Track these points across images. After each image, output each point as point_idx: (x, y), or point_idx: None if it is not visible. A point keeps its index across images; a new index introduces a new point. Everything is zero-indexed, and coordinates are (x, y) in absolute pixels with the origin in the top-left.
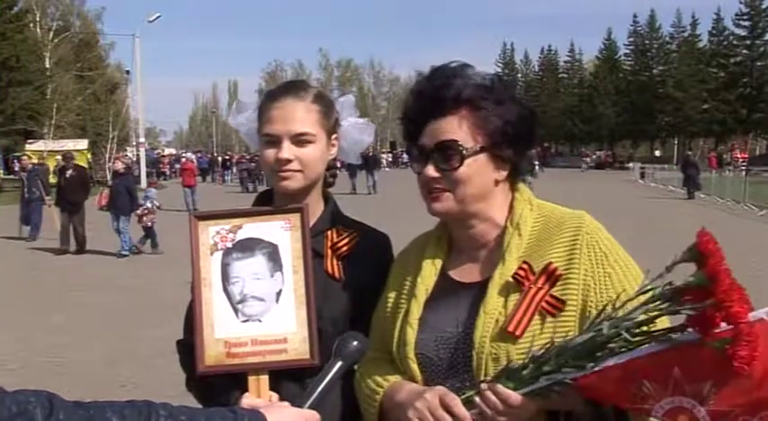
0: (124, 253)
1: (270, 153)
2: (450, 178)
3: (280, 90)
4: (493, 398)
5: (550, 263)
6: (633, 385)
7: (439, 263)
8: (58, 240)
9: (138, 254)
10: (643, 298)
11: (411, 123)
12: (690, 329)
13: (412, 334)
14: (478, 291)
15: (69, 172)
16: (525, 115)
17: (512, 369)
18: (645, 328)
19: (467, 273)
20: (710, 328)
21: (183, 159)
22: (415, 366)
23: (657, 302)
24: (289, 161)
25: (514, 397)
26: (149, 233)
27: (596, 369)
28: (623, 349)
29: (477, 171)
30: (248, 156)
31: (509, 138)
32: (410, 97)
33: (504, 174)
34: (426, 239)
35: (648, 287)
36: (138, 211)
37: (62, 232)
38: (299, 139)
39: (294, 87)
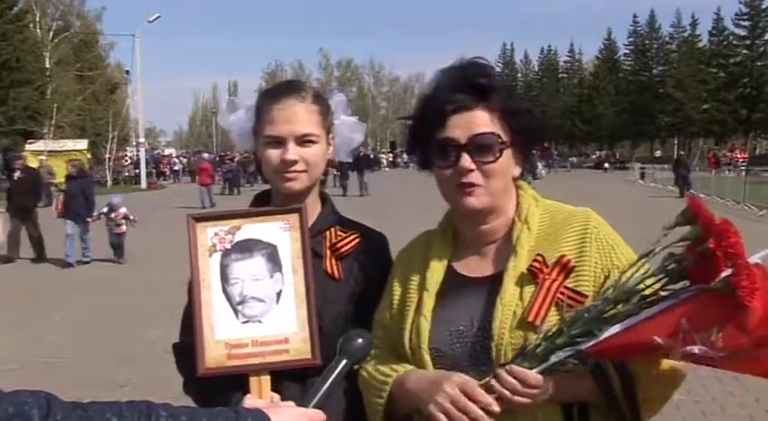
0: (69, 261)
1: (274, 154)
2: (484, 171)
3: (280, 90)
4: (510, 379)
5: (563, 255)
6: (645, 342)
7: (446, 258)
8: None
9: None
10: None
11: (432, 116)
12: (692, 287)
13: (426, 325)
14: (490, 284)
15: (17, 174)
16: (535, 114)
17: (526, 350)
18: (649, 291)
19: (475, 269)
20: (714, 270)
21: (197, 159)
22: (428, 358)
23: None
24: (294, 162)
25: (532, 375)
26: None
27: (606, 335)
28: (631, 313)
29: (507, 164)
30: (230, 157)
31: (529, 134)
32: (437, 88)
33: (519, 170)
34: (430, 236)
35: (650, 249)
36: (90, 219)
37: (8, 239)
38: (303, 140)
39: (294, 88)
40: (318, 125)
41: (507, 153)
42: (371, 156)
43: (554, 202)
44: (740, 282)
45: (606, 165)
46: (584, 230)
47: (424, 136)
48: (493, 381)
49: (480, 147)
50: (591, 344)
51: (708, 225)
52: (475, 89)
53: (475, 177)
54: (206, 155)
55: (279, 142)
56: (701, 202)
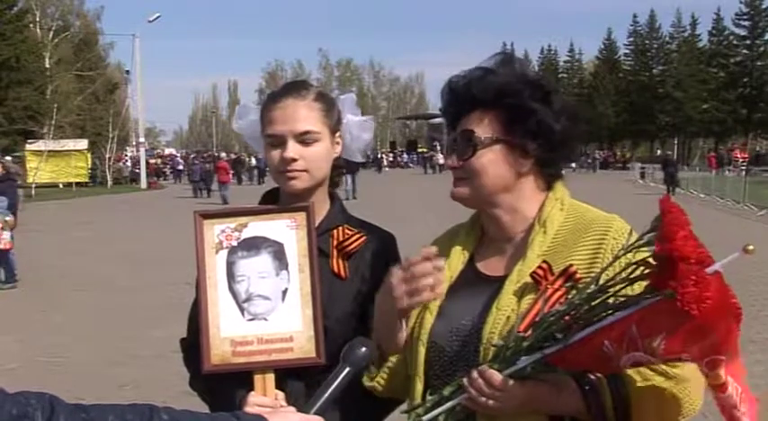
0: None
1: (275, 154)
2: (465, 167)
3: (281, 91)
4: (478, 379)
5: (571, 265)
6: (598, 349)
7: (467, 252)
8: None
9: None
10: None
11: (449, 117)
12: (656, 294)
13: (429, 319)
14: (498, 285)
15: None
16: (559, 112)
17: (498, 350)
18: (612, 299)
19: (492, 266)
20: (670, 276)
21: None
22: (422, 350)
23: (626, 268)
24: (294, 160)
25: (496, 376)
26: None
27: (569, 342)
28: (594, 318)
29: (493, 161)
30: (203, 157)
31: (532, 131)
32: (443, 93)
33: (526, 165)
34: (459, 228)
35: (616, 254)
36: None
37: None
38: (303, 138)
39: (295, 87)
40: (320, 123)
41: (492, 150)
42: (377, 155)
43: (583, 205)
44: (685, 287)
45: (574, 165)
46: (600, 241)
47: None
48: (464, 380)
49: (459, 145)
50: (553, 350)
51: (665, 215)
52: (471, 95)
53: (459, 173)
54: (224, 154)
55: (279, 141)
56: (672, 203)
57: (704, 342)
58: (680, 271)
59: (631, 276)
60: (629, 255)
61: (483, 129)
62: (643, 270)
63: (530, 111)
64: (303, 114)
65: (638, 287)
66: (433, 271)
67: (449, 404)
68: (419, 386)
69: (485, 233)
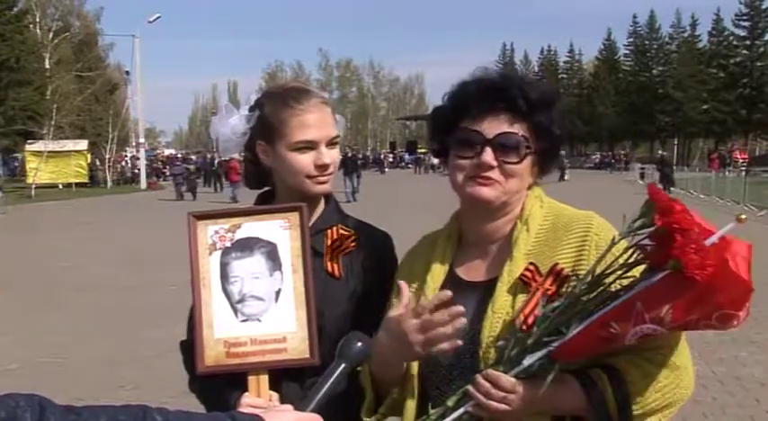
0: None
1: (307, 159)
2: (505, 170)
3: (302, 94)
4: (485, 382)
5: (557, 263)
6: (603, 331)
7: (448, 261)
8: None
9: None
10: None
11: (465, 107)
12: (656, 274)
13: None
14: (485, 290)
15: None
16: (564, 127)
17: (501, 352)
18: (610, 284)
19: (474, 272)
20: (666, 250)
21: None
22: (415, 364)
23: (623, 254)
24: (329, 166)
25: (505, 378)
26: None
27: (571, 334)
28: (593, 309)
29: (527, 170)
30: (185, 157)
31: (555, 148)
32: (468, 87)
33: (535, 175)
34: (436, 237)
35: (610, 244)
36: None
37: None
38: (331, 143)
39: (311, 91)
40: (336, 126)
41: (530, 158)
42: (379, 156)
43: (559, 204)
44: (686, 255)
45: (567, 168)
46: (583, 237)
47: (450, 123)
48: (469, 387)
49: (505, 145)
50: (558, 344)
51: (656, 200)
52: (512, 102)
53: (494, 174)
54: (235, 155)
55: (311, 147)
56: (659, 189)
57: (710, 304)
58: (679, 241)
59: (629, 262)
60: (621, 245)
61: (528, 137)
62: (638, 254)
63: (553, 129)
64: (330, 119)
65: (635, 273)
66: (450, 320)
67: (455, 414)
68: (411, 404)
69: (463, 238)
